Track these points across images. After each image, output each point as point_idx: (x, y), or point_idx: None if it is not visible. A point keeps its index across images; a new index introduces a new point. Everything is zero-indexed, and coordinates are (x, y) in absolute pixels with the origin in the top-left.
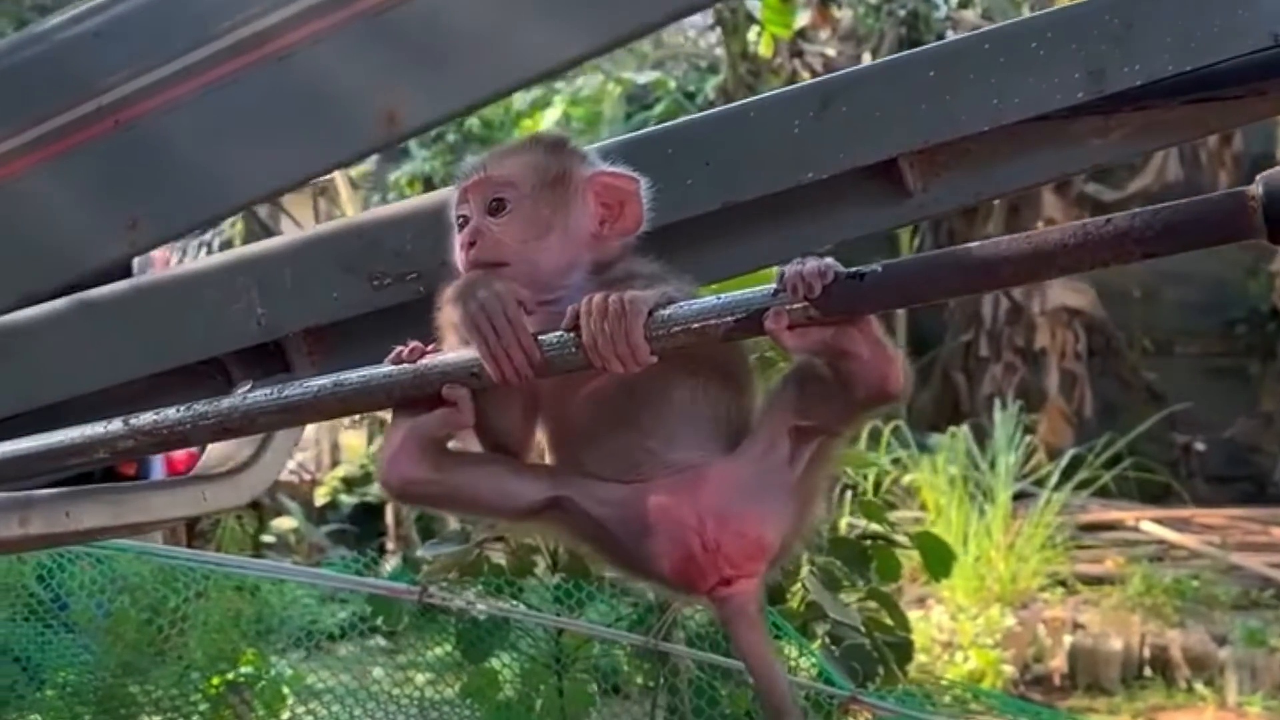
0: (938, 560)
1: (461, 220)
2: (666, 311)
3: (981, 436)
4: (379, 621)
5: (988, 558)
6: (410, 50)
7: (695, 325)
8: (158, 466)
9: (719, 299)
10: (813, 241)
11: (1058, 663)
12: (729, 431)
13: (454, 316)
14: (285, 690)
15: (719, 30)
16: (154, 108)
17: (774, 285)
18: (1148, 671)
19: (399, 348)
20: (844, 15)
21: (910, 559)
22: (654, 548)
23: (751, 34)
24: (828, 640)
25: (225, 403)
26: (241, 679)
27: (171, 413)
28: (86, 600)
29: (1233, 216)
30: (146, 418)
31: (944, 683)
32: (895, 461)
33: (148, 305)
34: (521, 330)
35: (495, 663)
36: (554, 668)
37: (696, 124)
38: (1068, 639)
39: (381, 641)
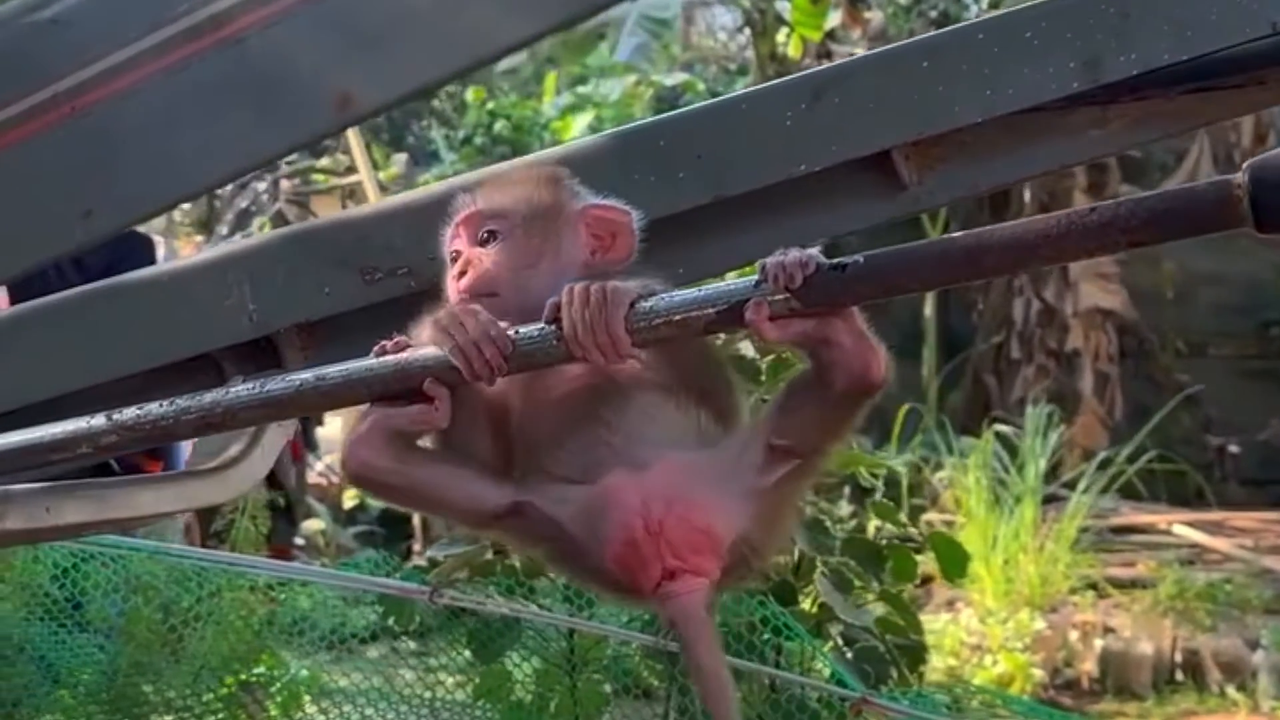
0: (952, 562)
1: (454, 255)
2: (648, 303)
3: (1012, 438)
4: (390, 622)
5: (1017, 560)
6: (362, 33)
7: (677, 317)
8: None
9: (701, 291)
10: (806, 236)
11: (1088, 666)
12: (699, 440)
13: (427, 334)
14: (302, 691)
15: (748, 32)
16: (111, 94)
17: (756, 277)
18: (1179, 676)
19: (383, 342)
20: (874, 16)
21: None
22: (600, 535)
23: (781, 35)
24: (841, 642)
25: (208, 398)
26: (254, 679)
27: (155, 408)
28: (101, 600)
29: (1218, 205)
30: (129, 412)
31: (958, 686)
32: (924, 463)
33: (139, 302)
34: (491, 324)
35: (508, 663)
36: (565, 668)
37: (688, 117)
38: (1098, 643)
39: (411, 644)
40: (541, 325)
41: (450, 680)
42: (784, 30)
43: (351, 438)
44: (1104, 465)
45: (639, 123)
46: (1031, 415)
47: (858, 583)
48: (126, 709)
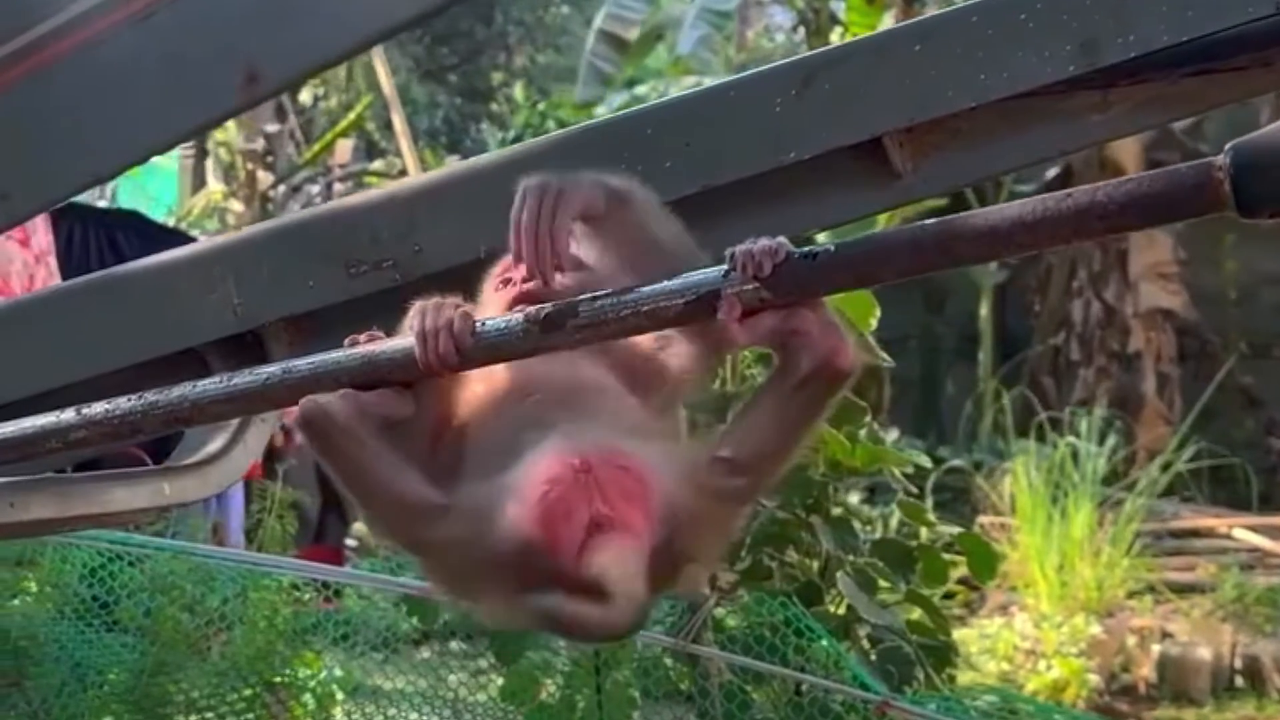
0: (982, 563)
1: None
2: (612, 297)
3: (1069, 441)
4: (415, 621)
5: (1073, 564)
6: (266, 8)
7: (645, 308)
8: None
9: (668, 281)
10: (797, 226)
11: (1145, 672)
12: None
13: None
14: (335, 692)
15: (803, 31)
16: (22, 74)
17: (724, 266)
18: (1238, 681)
19: (354, 335)
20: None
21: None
22: (523, 499)
23: (835, 35)
24: (867, 644)
25: (175, 392)
26: (279, 680)
27: (123, 402)
28: (127, 600)
29: (1199, 188)
30: (98, 407)
31: (994, 691)
32: (978, 466)
33: (123, 296)
34: (461, 317)
35: (530, 664)
36: (590, 669)
37: (676, 104)
38: (1155, 648)
39: (460, 645)
40: (509, 317)
41: (472, 680)
42: (838, 30)
43: (317, 394)
44: (1164, 468)
45: (625, 111)
46: (1090, 417)
47: (884, 584)
48: (150, 709)
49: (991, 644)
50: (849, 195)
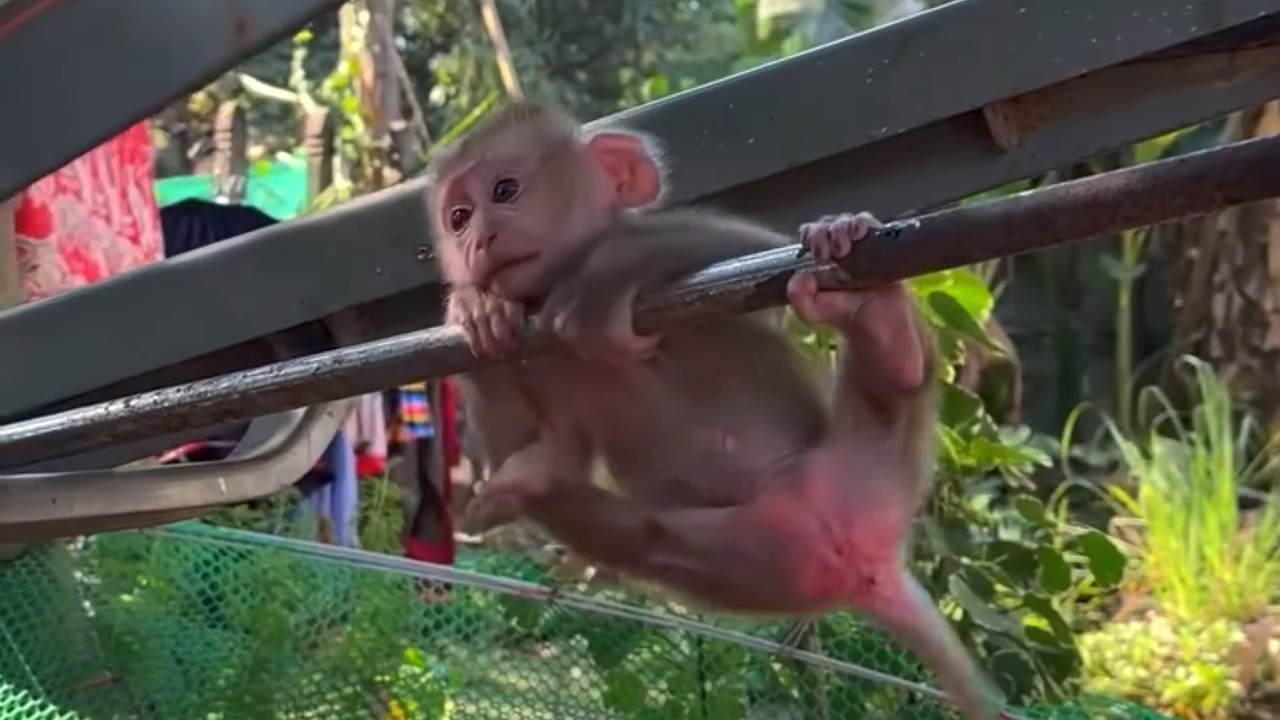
0: (1105, 564)
1: (460, 216)
2: (678, 281)
3: (1209, 440)
4: (514, 623)
5: (1213, 568)
6: None
7: (713, 292)
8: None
9: (738, 262)
10: (889, 207)
11: None
12: (804, 420)
13: (450, 310)
14: (443, 690)
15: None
16: (6, 34)
17: (799, 246)
18: None
19: None
20: None
21: (1133, 566)
22: (781, 570)
23: None
24: (983, 651)
25: (224, 383)
26: (380, 679)
27: (172, 393)
28: (233, 596)
29: None
30: (147, 399)
31: (1121, 702)
32: (1114, 466)
33: (188, 286)
34: (509, 303)
35: (632, 668)
36: (695, 673)
37: (759, 76)
38: None
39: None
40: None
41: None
42: None
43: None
44: None
45: (705, 85)
46: (1231, 416)
47: (1002, 588)
48: (250, 706)
49: (1128, 650)
50: (947, 173)
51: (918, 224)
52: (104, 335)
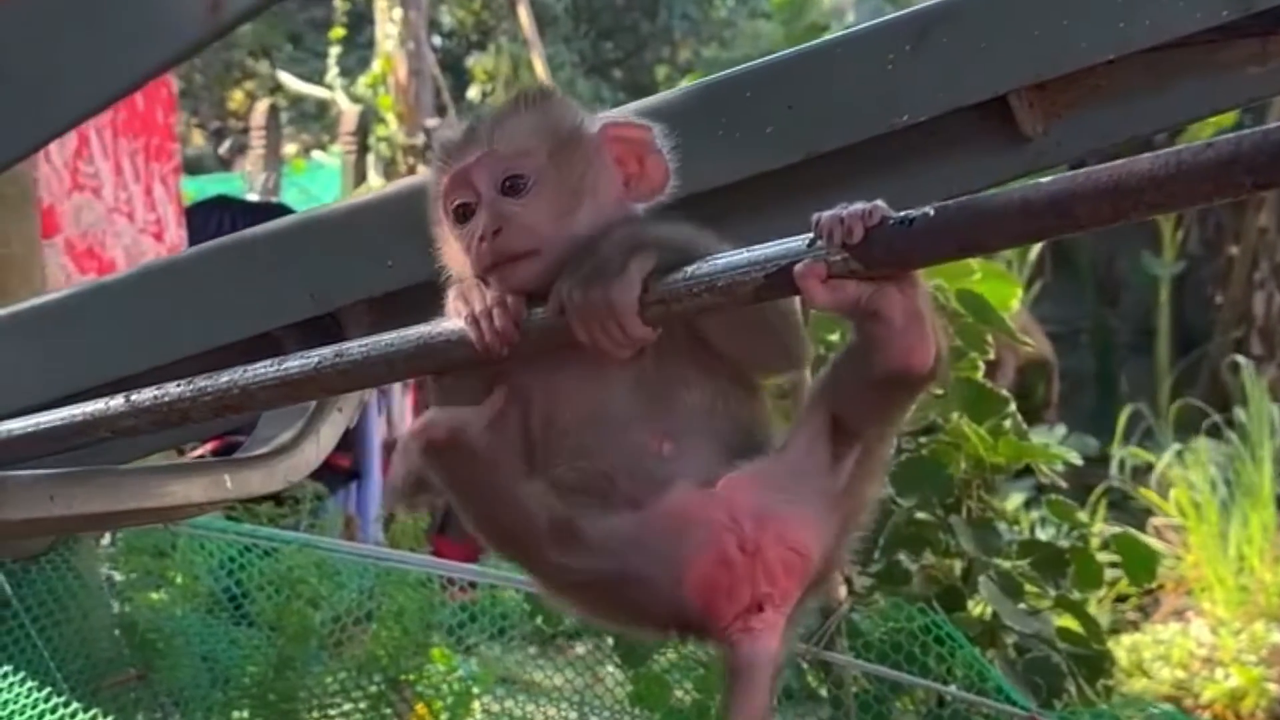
0: (1139, 565)
1: (463, 209)
2: (687, 270)
3: (1248, 438)
4: (539, 621)
5: (1253, 568)
6: None
7: (721, 283)
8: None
9: (746, 252)
10: (911, 197)
11: None
12: (745, 453)
13: (450, 304)
14: (471, 689)
15: None
16: None
17: (810, 235)
18: None
19: None
20: None
21: (1171, 566)
22: (675, 559)
23: None
24: (1014, 653)
25: (224, 378)
26: (404, 677)
27: (173, 388)
28: (257, 593)
29: None
30: (147, 394)
31: (1144, 704)
32: (1149, 467)
33: (196, 280)
34: (509, 295)
35: (658, 668)
36: (720, 673)
37: (778, 64)
38: None
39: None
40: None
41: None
42: None
43: (431, 414)
44: None
45: (722, 73)
46: (1271, 414)
47: (1032, 589)
48: (275, 704)
49: (1166, 651)
50: (970, 162)
51: (932, 211)
52: (111, 331)
